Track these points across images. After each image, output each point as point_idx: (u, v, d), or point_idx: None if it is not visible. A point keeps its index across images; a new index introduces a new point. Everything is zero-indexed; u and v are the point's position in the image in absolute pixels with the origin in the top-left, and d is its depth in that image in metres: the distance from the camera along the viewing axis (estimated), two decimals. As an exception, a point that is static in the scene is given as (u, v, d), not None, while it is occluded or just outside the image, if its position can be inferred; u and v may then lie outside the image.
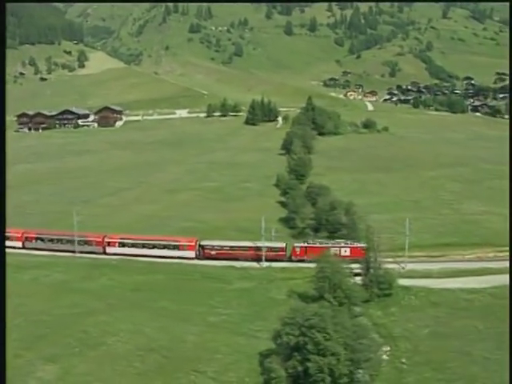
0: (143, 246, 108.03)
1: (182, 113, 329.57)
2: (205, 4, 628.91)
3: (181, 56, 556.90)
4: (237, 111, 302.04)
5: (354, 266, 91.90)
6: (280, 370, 63.18)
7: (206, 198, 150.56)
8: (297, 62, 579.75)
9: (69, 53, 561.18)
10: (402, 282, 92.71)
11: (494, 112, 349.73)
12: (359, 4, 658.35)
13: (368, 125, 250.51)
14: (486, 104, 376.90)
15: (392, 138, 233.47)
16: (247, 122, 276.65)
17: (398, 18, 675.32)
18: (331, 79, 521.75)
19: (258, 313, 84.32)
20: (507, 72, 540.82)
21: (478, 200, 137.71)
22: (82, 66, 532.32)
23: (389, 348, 75.27)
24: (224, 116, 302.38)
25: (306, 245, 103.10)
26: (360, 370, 63.39)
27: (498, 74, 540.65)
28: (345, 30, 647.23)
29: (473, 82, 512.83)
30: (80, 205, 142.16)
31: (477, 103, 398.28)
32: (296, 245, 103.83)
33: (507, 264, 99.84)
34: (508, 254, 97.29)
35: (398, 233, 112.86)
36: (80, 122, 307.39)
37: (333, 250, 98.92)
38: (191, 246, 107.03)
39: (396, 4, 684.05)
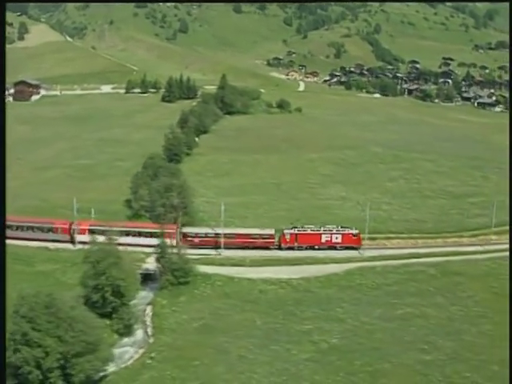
0: (115, 233, 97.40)
1: (107, 88, 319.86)
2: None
3: (124, 31, 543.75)
4: (158, 88, 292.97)
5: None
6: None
7: (70, 176, 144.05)
8: (243, 40, 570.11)
9: (10, 24, 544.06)
10: (210, 269, 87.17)
11: (425, 96, 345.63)
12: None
13: (281, 105, 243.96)
14: (418, 88, 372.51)
15: (301, 118, 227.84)
16: (163, 100, 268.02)
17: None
18: (275, 59, 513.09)
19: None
20: (453, 57, 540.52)
21: (344, 185, 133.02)
22: (21, 38, 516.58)
23: (152, 341, 69.56)
24: (144, 93, 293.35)
25: (296, 231, 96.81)
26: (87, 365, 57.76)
27: (444, 58, 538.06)
28: (295, 10, 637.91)
29: (418, 65, 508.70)
30: None
31: (413, 87, 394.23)
32: (286, 231, 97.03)
33: (332, 253, 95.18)
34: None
35: (240, 217, 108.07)
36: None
37: (324, 237, 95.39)
38: (172, 233, 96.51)
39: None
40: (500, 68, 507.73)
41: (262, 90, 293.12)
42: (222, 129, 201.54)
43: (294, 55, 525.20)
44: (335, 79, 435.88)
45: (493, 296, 79.10)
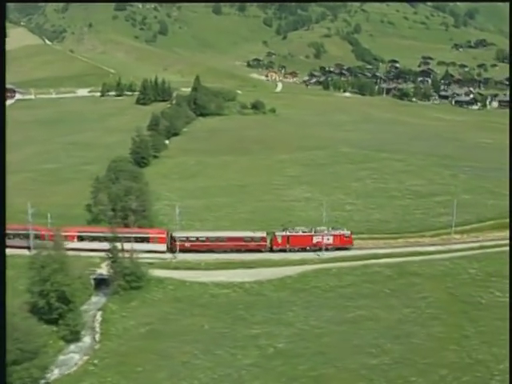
0: (106, 240, 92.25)
1: (83, 92, 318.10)
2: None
3: (103, 34, 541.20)
4: (133, 90, 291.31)
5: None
6: None
7: (35, 181, 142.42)
8: (223, 41, 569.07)
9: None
10: (165, 273, 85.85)
11: (402, 95, 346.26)
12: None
13: (256, 106, 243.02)
14: (396, 87, 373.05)
15: (274, 119, 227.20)
16: (138, 102, 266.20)
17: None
18: (255, 60, 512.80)
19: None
20: (433, 56, 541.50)
21: (310, 186, 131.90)
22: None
23: (98, 347, 68.35)
24: (119, 96, 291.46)
25: (287, 234, 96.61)
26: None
27: (423, 57, 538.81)
28: (275, 10, 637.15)
29: (397, 65, 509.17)
30: None
31: (391, 86, 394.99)
32: (277, 234, 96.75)
33: (290, 255, 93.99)
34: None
35: (201, 220, 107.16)
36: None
37: (315, 238, 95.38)
38: (162, 238, 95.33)
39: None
40: (479, 66, 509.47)
41: (239, 92, 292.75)
42: (194, 131, 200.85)
43: (273, 56, 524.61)
44: (314, 79, 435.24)
45: (448, 297, 78.23)
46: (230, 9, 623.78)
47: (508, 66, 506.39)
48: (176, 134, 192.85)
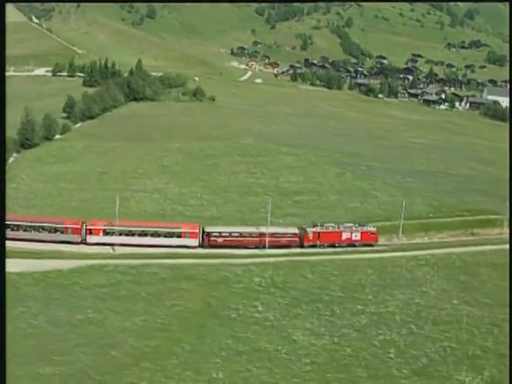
0: (133, 234, 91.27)
1: (40, 71, 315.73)
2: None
3: (90, 14, 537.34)
4: (86, 72, 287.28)
5: None
6: None
7: None
8: (211, 28, 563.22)
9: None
10: None
11: (368, 91, 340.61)
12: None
13: (196, 93, 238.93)
14: (364, 83, 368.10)
15: (206, 107, 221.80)
16: (85, 84, 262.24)
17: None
18: (239, 48, 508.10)
19: None
20: (424, 54, 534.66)
21: (173, 176, 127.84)
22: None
23: None
24: (72, 76, 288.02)
25: (318, 230, 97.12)
26: None
27: (413, 55, 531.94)
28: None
29: (384, 61, 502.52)
30: None
31: (368, 81, 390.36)
32: (308, 230, 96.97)
33: (84, 248, 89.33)
34: None
35: (29, 206, 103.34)
36: None
37: (344, 235, 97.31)
38: (194, 233, 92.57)
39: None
40: (467, 67, 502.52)
41: (196, 78, 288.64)
42: (114, 115, 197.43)
43: (259, 45, 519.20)
44: (292, 71, 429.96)
45: (201, 306, 71.12)
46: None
47: (498, 67, 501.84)
48: (92, 118, 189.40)
